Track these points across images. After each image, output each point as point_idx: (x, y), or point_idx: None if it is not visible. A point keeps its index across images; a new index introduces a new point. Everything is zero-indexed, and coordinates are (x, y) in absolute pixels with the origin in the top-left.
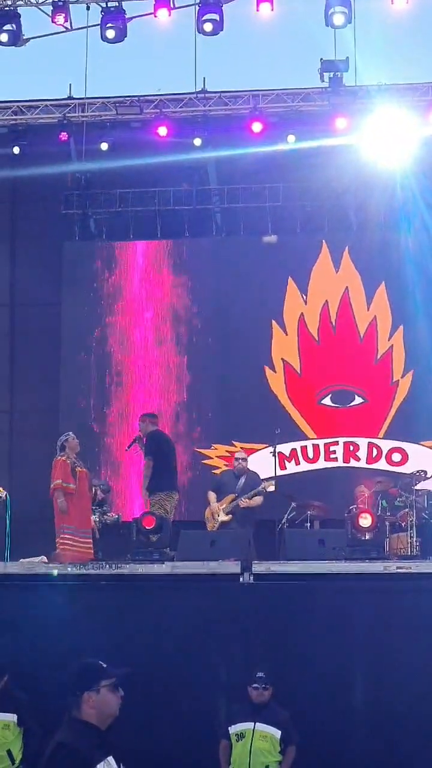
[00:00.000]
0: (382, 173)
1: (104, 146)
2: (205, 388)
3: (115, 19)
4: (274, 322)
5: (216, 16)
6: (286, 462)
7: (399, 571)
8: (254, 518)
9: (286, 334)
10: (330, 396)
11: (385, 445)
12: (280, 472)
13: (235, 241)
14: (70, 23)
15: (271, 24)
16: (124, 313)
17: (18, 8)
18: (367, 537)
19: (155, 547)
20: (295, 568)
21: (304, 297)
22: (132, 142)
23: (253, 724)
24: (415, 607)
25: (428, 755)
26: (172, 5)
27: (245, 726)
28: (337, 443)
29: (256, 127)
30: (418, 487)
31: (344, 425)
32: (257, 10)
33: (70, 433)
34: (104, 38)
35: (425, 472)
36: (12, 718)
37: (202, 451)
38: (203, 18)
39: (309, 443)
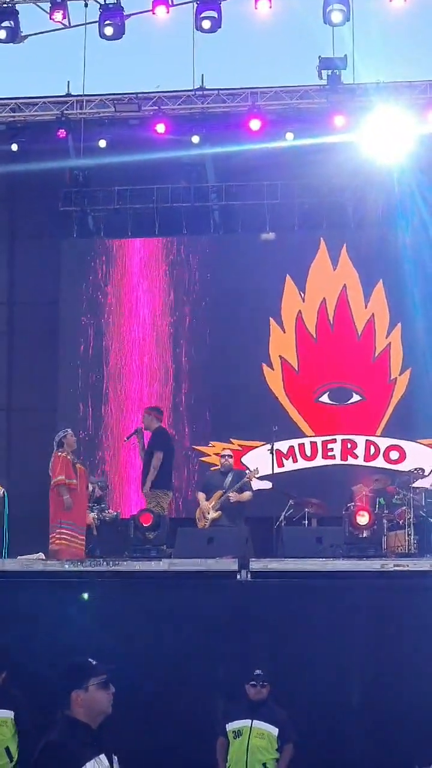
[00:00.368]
0: (380, 171)
1: (102, 143)
2: (203, 386)
3: (113, 16)
4: (271, 319)
5: (214, 14)
6: (284, 459)
7: (396, 568)
8: (244, 514)
9: (284, 332)
10: (328, 393)
11: (383, 442)
12: (278, 470)
13: (233, 238)
14: (69, 20)
15: (269, 21)
16: (122, 310)
17: (16, 5)
18: (364, 535)
19: (153, 544)
20: (292, 565)
21: (302, 294)
22: (130, 139)
23: (250, 721)
24: (412, 604)
25: (426, 753)
26: (170, 2)
27: (243, 723)
28: (334, 441)
29: (255, 124)
30: (415, 484)
31: (342, 423)
32: (255, 8)
33: (68, 429)
34: (102, 35)
35: (423, 470)
36: (9, 715)
37: (200, 448)
38: (201, 15)
39: (307, 441)
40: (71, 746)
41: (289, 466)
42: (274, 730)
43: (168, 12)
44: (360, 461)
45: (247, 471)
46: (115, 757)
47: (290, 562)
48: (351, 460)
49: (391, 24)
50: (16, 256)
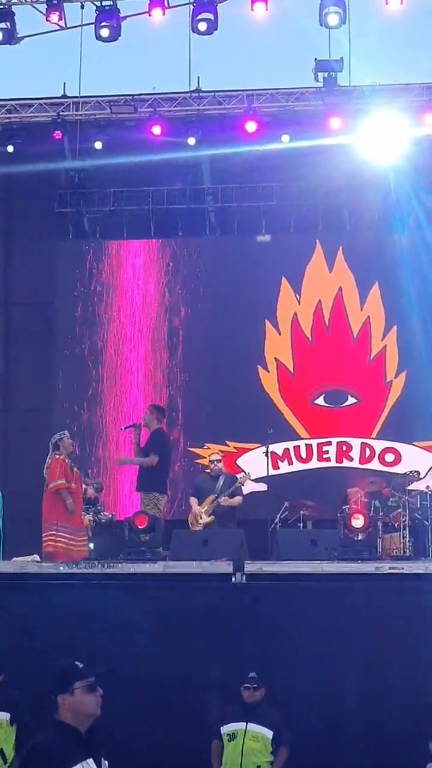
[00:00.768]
0: (376, 173)
1: (98, 145)
2: (199, 388)
3: (109, 17)
4: (267, 321)
5: (210, 16)
6: (279, 462)
7: (391, 571)
8: (236, 518)
9: (280, 334)
10: (323, 396)
11: (378, 445)
12: (273, 472)
13: (228, 240)
14: (65, 22)
15: (265, 24)
16: (117, 311)
17: (12, 6)
18: (359, 537)
19: (148, 547)
20: (287, 568)
21: (298, 297)
22: (126, 140)
23: (245, 724)
24: (407, 607)
25: (420, 755)
26: (166, 4)
27: (237, 726)
28: (330, 443)
29: (251, 126)
30: (410, 487)
31: (337, 425)
32: (252, 10)
33: (65, 432)
34: (98, 37)
35: (418, 473)
36: (5, 716)
37: (195, 450)
38: (198, 17)
39: (302, 443)
40: (58, 749)
41: (284, 468)
42: (269, 733)
43: (164, 14)
44: (355, 464)
45: (239, 475)
46: (105, 762)
47: (285, 564)
48: (346, 463)
49: (387, 27)
50: (11, 257)
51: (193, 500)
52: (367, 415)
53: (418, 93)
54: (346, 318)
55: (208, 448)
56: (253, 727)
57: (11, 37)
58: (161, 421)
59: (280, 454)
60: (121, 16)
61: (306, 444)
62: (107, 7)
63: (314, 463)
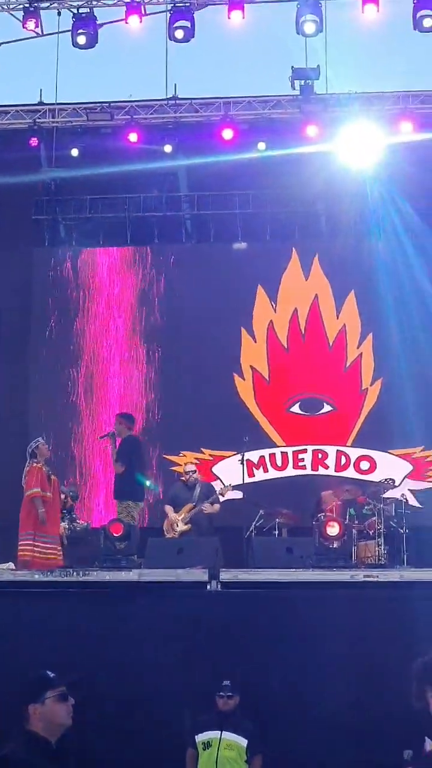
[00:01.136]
0: (352, 181)
1: (75, 152)
2: (174, 395)
3: (86, 25)
4: (243, 329)
5: (187, 23)
6: (255, 469)
7: (366, 579)
8: (212, 527)
9: (255, 342)
10: (299, 404)
11: (354, 453)
12: (248, 480)
13: (204, 247)
14: (41, 29)
15: (242, 31)
16: (93, 319)
17: None
18: (334, 545)
19: (123, 555)
20: (262, 576)
21: (274, 304)
22: (102, 148)
23: (219, 733)
24: (382, 615)
25: (396, 763)
26: (143, 12)
27: (212, 735)
28: (305, 451)
29: (227, 134)
30: (386, 495)
31: (313, 433)
32: (229, 18)
33: (40, 439)
34: (75, 44)
35: (393, 481)
36: None
37: (171, 457)
38: (174, 25)
39: (277, 451)
40: (27, 760)
41: (259, 476)
42: (243, 742)
43: (141, 21)
44: (331, 471)
45: (219, 487)
46: None
47: (260, 572)
48: (322, 471)
49: (363, 35)
50: None
51: (169, 508)
52: (343, 423)
53: (394, 101)
54: (322, 325)
55: (184, 456)
56: (228, 736)
57: None
58: (131, 428)
59: (256, 462)
60: (97, 23)
61: (281, 452)
62: (84, 15)
63: (290, 471)
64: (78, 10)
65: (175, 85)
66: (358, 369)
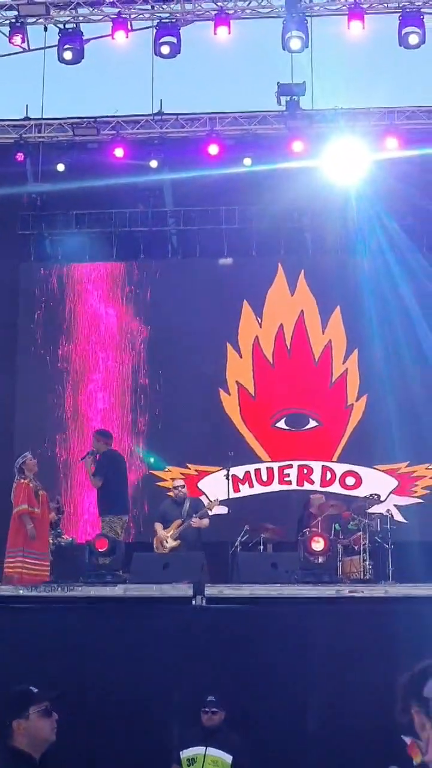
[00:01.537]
0: (338, 197)
1: (61, 167)
2: (160, 410)
3: (72, 40)
4: (228, 344)
5: (173, 39)
6: (240, 485)
7: (351, 595)
8: (201, 542)
9: (241, 357)
10: (284, 419)
11: (339, 468)
12: (233, 495)
13: (190, 263)
14: (28, 44)
15: (228, 47)
16: (79, 334)
17: None
18: (320, 560)
19: (108, 570)
20: (247, 591)
21: (259, 320)
22: (88, 163)
23: (204, 748)
24: (367, 630)
25: None
26: (129, 27)
27: (196, 751)
28: (291, 466)
29: (213, 149)
30: (371, 510)
31: (298, 448)
32: (215, 34)
33: (28, 454)
34: (61, 59)
35: (378, 496)
36: None
37: (156, 473)
38: (160, 40)
39: (263, 466)
40: None
41: (245, 491)
42: (228, 758)
43: (127, 37)
44: (316, 487)
45: (208, 502)
46: None
47: (245, 587)
48: (307, 486)
49: (349, 51)
50: None
51: (158, 525)
52: (328, 439)
53: (380, 117)
54: (307, 341)
55: (169, 471)
56: (213, 752)
57: None
58: (109, 444)
59: (241, 477)
60: (84, 38)
61: (267, 467)
62: (70, 30)
63: (275, 486)
64: (64, 26)
65: (161, 100)
66: (343, 385)
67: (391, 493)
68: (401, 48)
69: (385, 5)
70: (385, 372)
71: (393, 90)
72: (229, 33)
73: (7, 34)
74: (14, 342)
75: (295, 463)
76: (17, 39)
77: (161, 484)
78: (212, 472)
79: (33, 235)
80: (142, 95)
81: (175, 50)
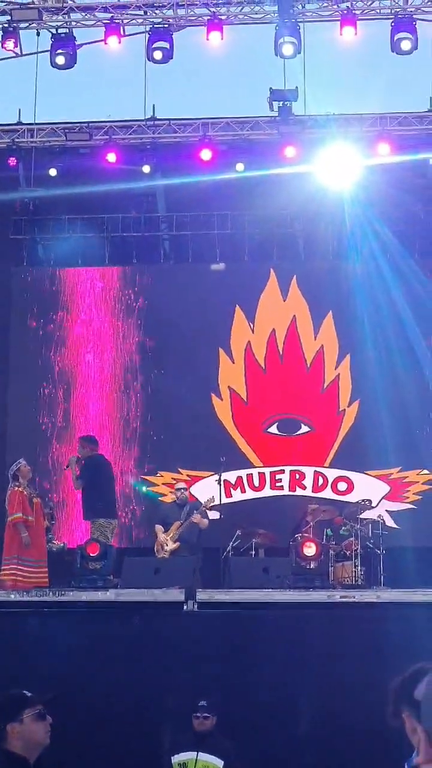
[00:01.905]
0: (330, 202)
1: (53, 172)
2: (152, 415)
3: (65, 45)
4: (221, 349)
5: (166, 44)
6: (232, 490)
7: (343, 600)
8: (201, 546)
9: (233, 362)
10: (276, 424)
11: (331, 474)
12: (225, 500)
13: (183, 268)
14: (20, 48)
15: (220, 53)
16: (71, 339)
17: None
18: (311, 566)
19: (99, 575)
20: (238, 596)
21: (252, 325)
22: (81, 168)
23: (195, 753)
24: (358, 636)
25: None
26: (122, 32)
27: (188, 756)
28: (283, 472)
29: (205, 154)
30: (363, 516)
31: (290, 454)
32: (207, 39)
33: (22, 460)
34: (54, 64)
35: (370, 501)
36: None
37: (148, 478)
38: (153, 46)
39: (255, 471)
40: None
41: (237, 496)
42: (220, 763)
43: (120, 42)
44: (308, 492)
45: (205, 500)
46: None
47: (237, 592)
48: (299, 491)
49: (341, 57)
50: None
51: (159, 528)
52: (320, 444)
53: (372, 123)
54: (299, 347)
55: (161, 476)
56: (204, 757)
57: None
58: (94, 449)
59: (233, 482)
60: (76, 43)
61: (259, 472)
62: (63, 35)
63: (267, 492)
64: (57, 31)
65: (154, 105)
66: (335, 390)
67: (382, 498)
68: (394, 54)
69: (378, 11)
70: (377, 377)
71: (385, 96)
72: (222, 38)
73: (0, 39)
74: (6, 347)
75: (287, 469)
76: (10, 44)
77: (153, 489)
78: (204, 477)
79: (25, 239)
80: (135, 100)
81: (168, 56)
